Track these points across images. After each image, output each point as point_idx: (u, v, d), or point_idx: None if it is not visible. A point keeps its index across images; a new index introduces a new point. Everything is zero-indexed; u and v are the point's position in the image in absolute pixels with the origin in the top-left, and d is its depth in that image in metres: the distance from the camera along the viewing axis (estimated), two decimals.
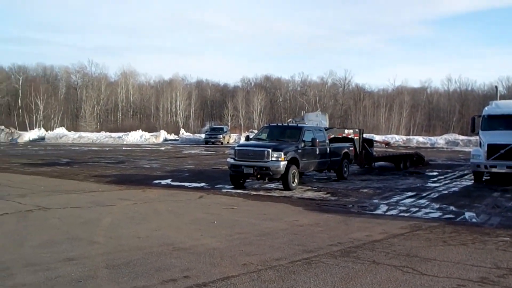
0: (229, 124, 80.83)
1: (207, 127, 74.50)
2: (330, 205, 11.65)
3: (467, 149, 37.00)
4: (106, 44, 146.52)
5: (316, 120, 43.87)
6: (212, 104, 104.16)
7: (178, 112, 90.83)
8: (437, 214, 10.50)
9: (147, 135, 54.57)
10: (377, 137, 45.50)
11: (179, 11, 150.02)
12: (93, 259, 6.37)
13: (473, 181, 16.67)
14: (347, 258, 6.55)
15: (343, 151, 17.07)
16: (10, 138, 52.85)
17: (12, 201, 11.24)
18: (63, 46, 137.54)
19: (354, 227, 8.92)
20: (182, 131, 60.93)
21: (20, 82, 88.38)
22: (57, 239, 7.55)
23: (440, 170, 21.00)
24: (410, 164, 22.03)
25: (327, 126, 44.38)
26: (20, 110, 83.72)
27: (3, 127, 57.98)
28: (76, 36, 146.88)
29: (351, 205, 11.68)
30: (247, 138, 17.06)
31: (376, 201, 12.30)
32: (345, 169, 17.13)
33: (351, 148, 17.79)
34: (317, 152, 15.38)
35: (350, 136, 18.78)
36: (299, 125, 16.28)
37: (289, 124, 17.57)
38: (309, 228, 8.78)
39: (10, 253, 6.65)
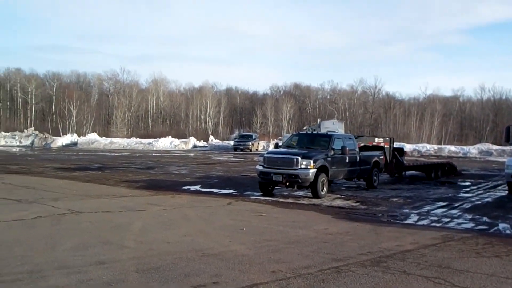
0: (258, 131, 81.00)
1: (235, 134, 74.75)
2: (360, 214, 11.52)
3: (501, 159, 36.15)
4: (138, 52, 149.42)
5: (333, 128, 43.34)
6: (241, 112, 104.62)
7: (207, 119, 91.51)
8: (469, 225, 10.28)
9: (176, 141, 55.08)
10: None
11: (210, 21, 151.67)
12: (123, 263, 6.45)
13: (507, 191, 16.26)
14: (377, 268, 6.46)
15: (373, 160, 16.90)
16: (43, 143, 54.05)
17: (45, 204, 11.48)
18: (97, 54, 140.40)
19: (384, 237, 8.80)
20: (211, 138, 61.30)
21: (54, 88, 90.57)
22: (88, 242, 7.67)
23: (473, 180, 20.57)
24: (442, 173, 21.64)
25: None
26: (54, 116, 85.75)
27: (37, 132, 59.41)
28: (109, 44, 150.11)
29: (381, 214, 11.52)
30: (276, 146, 17.03)
31: (406, 210, 12.11)
32: (375, 177, 16.93)
33: (381, 157, 17.60)
34: (347, 160, 15.26)
35: (380, 145, 18.58)
36: (329, 133, 16.16)
37: (318, 132, 17.45)
38: (338, 236, 8.71)
39: (44, 255, 6.78)
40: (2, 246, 7.25)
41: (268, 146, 48.87)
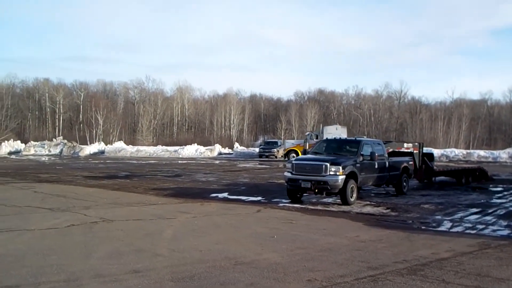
0: (282, 137, 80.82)
1: (260, 141, 74.87)
2: (391, 221, 11.36)
3: None
4: (163, 60, 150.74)
5: (336, 133, 43.22)
6: (266, 118, 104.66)
7: (231, 126, 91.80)
8: (506, 232, 10.02)
9: (202, 149, 55.30)
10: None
11: (234, 28, 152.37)
12: (158, 271, 6.46)
13: None
14: (414, 277, 6.34)
15: (403, 165, 16.67)
16: (72, 152, 54.87)
17: (77, 213, 11.61)
18: (122, 63, 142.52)
19: (418, 244, 8.64)
20: (236, 145, 61.39)
21: (82, 98, 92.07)
22: (122, 250, 7.72)
23: (505, 186, 20.12)
24: (473, 179, 21.22)
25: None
26: (81, 125, 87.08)
27: (65, 141, 60.34)
28: (134, 53, 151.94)
29: (412, 221, 11.33)
30: (304, 152, 16.94)
31: (439, 217, 11.88)
32: (404, 183, 16.70)
33: (410, 162, 17.36)
34: (376, 166, 15.09)
35: (409, 150, 18.33)
36: (357, 138, 16.02)
37: (347, 138, 17.31)
38: (371, 244, 8.59)
39: (79, 264, 6.84)
40: (38, 255, 7.35)
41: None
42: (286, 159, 42.63)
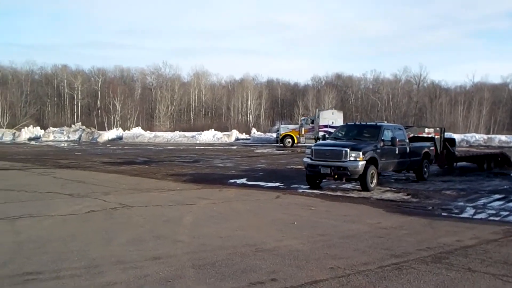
0: (299, 123, 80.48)
1: (277, 126, 74.56)
2: (412, 207, 11.19)
3: None
4: (180, 46, 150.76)
5: (332, 118, 42.68)
6: (283, 103, 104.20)
7: (248, 112, 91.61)
8: None
9: (219, 134, 55.30)
10: None
11: (250, 13, 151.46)
12: (178, 258, 6.42)
13: None
14: (439, 265, 6.20)
15: (424, 151, 16.42)
16: (90, 138, 55.30)
17: (97, 198, 11.64)
18: (139, 48, 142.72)
19: (441, 231, 8.48)
20: (253, 130, 61.26)
21: (99, 84, 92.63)
22: (142, 237, 7.70)
23: None
24: (495, 164, 20.84)
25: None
26: (99, 111, 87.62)
27: (84, 127, 60.88)
28: (151, 39, 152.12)
29: (434, 208, 11.15)
30: (324, 137, 16.78)
31: (461, 203, 11.67)
32: (425, 169, 16.46)
33: (431, 148, 17.08)
34: (397, 152, 14.87)
35: (430, 135, 18.04)
36: (378, 123, 15.78)
37: (367, 123, 17.04)
38: (393, 231, 8.45)
39: (100, 250, 6.83)
40: (59, 241, 7.36)
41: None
42: (281, 145, 42.18)
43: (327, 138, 16.12)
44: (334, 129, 41.04)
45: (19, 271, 5.79)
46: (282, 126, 45.81)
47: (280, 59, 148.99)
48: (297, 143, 41.90)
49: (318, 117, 42.17)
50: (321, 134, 41.44)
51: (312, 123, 42.12)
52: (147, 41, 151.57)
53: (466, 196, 12.87)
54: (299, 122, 44.96)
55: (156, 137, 55.78)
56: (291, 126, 45.15)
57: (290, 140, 42.08)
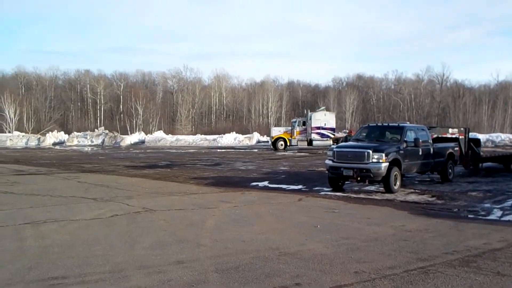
0: None
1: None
2: (437, 209, 11.00)
3: None
4: (200, 49, 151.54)
5: (324, 119, 41.98)
6: (303, 105, 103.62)
7: (269, 114, 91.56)
8: None
9: (240, 137, 55.43)
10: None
11: (270, 15, 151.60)
12: (201, 262, 6.40)
13: None
14: (467, 269, 6.06)
15: (448, 152, 16.16)
16: (113, 142, 55.94)
17: (120, 203, 11.73)
18: (161, 53, 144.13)
19: (468, 234, 8.31)
20: None
21: (122, 88, 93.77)
22: (165, 241, 7.71)
23: None
24: None
25: (334, 127, 42.65)
26: (122, 115, 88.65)
27: (107, 131, 61.62)
28: (172, 43, 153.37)
29: (460, 210, 10.93)
30: (346, 139, 16.64)
31: (488, 205, 11.43)
32: (449, 170, 16.19)
33: (456, 148, 16.80)
34: (420, 153, 14.66)
35: (454, 136, 17.76)
36: (400, 124, 15.59)
37: (389, 124, 16.82)
38: (418, 234, 8.31)
39: (123, 254, 6.85)
40: (84, 245, 7.41)
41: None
42: (273, 149, 41.16)
43: (349, 140, 15.94)
44: (327, 131, 41.17)
45: (45, 275, 5.85)
46: (273, 128, 44.85)
47: (300, 60, 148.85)
48: (290, 145, 41.27)
49: (310, 118, 41.54)
50: (313, 136, 40.94)
51: (304, 125, 41.48)
52: (168, 45, 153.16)
53: (493, 197, 12.62)
54: (291, 124, 43.82)
55: (178, 140, 56.15)
56: (283, 129, 44.10)
57: (282, 142, 41.24)
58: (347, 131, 45.38)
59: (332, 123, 42.14)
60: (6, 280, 5.73)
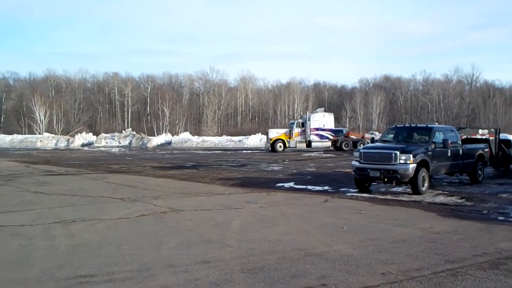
0: (347, 126, 79.58)
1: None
2: (466, 211, 10.81)
3: None
4: (226, 51, 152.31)
5: (323, 120, 41.09)
6: (330, 106, 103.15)
7: (295, 115, 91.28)
8: None
9: (266, 138, 55.36)
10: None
11: (296, 16, 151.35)
12: (227, 262, 6.42)
13: None
14: (497, 271, 5.94)
15: (478, 153, 15.87)
16: (140, 143, 56.55)
17: (147, 203, 11.85)
18: (187, 55, 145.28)
19: (498, 236, 8.15)
20: None
21: (149, 90, 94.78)
22: (191, 241, 7.76)
23: None
24: None
25: (333, 128, 41.87)
26: (149, 117, 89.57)
27: (134, 132, 62.36)
28: (198, 45, 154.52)
29: (490, 212, 10.72)
30: (372, 140, 16.47)
31: None
32: (479, 172, 15.90)
33: (486, 150, 16.49)
34: (449, 154, 14.43)
35: (484, 137, 17.43)
36: (428, 125, 15.36)
37: (417, 125, 16.59)
38: (447, 236, 8.18)
39: (150, 254, 6.93)
40: (111, 244, 7.51)
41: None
42: (271, 151, 39.60)
43: (376, 141, 15.78)
44: (326, 132, 40.61)
45: (74, 273, 5.95)
46: (271, 130, 42.72)
47: (326, 61, 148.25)
48: (288, 147, 40.45)
49: (309, 119, 40.96)
50: (312, 137, 40.34)
51: (303, 126, 40.82)
52: (195, 47, 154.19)
53: None
54: (288, 126, 42.95)
55: (204, 141, 56.45)
56: (281, 130, 42.53)
57: (281, 144, 40.21)
58: (345, 132, 44.68)
59: (331, 124, 41.62)
60: (37, 277, 5.85)
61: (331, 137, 41.14)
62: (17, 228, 8.92)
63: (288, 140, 40.49)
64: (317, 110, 46.82)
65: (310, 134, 40.47)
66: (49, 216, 10.08)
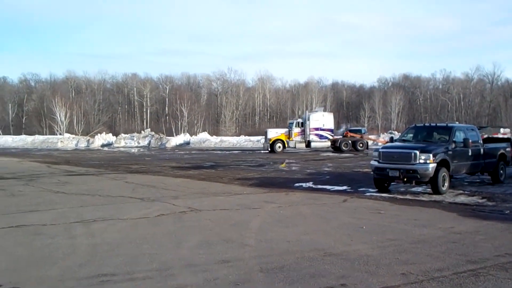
0: (366, 125, 79.13)
1: (342, 129, 73.36)
2: (488, 211, 10.66)
3: None
4: (244, 51, 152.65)
5: (323, 120, 40.44)
6: (348, 106, 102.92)
7: None
8: None
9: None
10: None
11: (313, 15, 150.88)
12: (246, 262, 6.44)
13: None
14: None
15: (499, 152, 15.63)
16: (159, 143, 56.94)
17: (166, 202, 11.93)
18: (205, 55, 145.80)
19: None
20: None
21: (167, 91, 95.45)
22: (211, 240, 7.79)
23: None
24: None
25: (333, 127, 41.29)
26: (167, 117, 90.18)
27: (153, 133, 62.84)
28: (216, 45, 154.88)
29: (511, 212, 10.54)
30: (391, 140, 16.34)
31: None
32: (501, 171, 15.67)
33: (508, 149, 16.24)
34: (470, 154, 14.25)
35: (506, 136, 17.18)
36: (449, 124, 15.20)
37: (437, 124, 16.39)
38: (468, 236, 8.08)
39: (170, 253, 6.98)
40: (132, 244, 7.58)
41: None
42: (271, 152, 39.00)
43: (395, 141, 15.66)
44: (325, 132, 40.17)
45: (95, 272, 6.02)
46: (270, 130, 41.81)
47: (344, 61, 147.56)
48: (287, 147, 39.89)
49: (308, 119, 40.48)
50: (311, 137, 39.81)
51: (302, 126, 40.28)
52: (212, 48, 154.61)
53: None
54: (288, 125, 42.18)
55: (222, 141, 56.62)
56: (280, 130, 41.65)
57: (280, 144, 39.60)
58: (344, 132, 44.22)
59: (330, 124, 41.14)
60: (59, 276, 5.93)
61: (331, 137, 40.85)
62: (39, 227, 9.05)
63: (288, 140, 39.99)
64: (316, 110, 46.51)
65: (310, 134, 40.02)
66: (70, 215, 10.21)
